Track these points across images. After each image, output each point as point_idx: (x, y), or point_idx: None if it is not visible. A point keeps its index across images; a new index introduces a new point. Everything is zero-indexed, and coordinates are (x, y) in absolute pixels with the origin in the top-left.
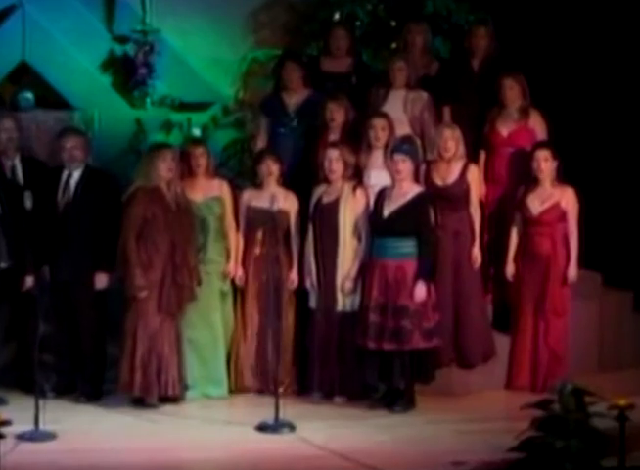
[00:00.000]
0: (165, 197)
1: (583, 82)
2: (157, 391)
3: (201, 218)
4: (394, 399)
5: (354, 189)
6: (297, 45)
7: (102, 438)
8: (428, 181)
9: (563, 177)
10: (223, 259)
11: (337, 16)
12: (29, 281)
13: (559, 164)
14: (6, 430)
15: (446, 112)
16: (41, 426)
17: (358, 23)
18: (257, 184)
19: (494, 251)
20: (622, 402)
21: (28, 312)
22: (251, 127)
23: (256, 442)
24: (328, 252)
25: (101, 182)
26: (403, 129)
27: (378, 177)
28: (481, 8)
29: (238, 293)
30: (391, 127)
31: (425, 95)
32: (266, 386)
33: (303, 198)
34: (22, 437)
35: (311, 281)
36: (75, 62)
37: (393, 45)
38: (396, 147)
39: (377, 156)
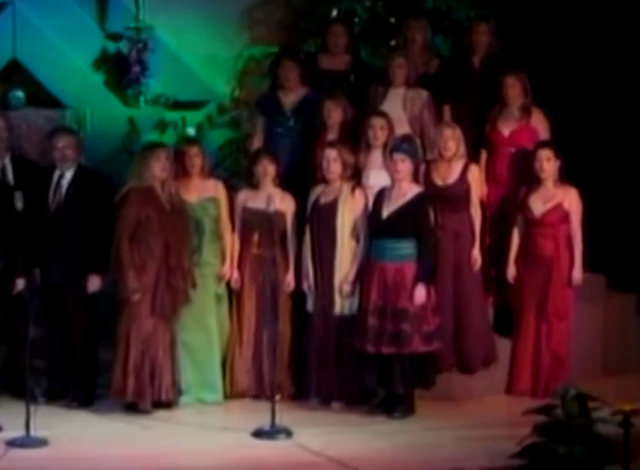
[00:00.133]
0: (159, 198)
1: (587, 79)
2: (150, 396)
3: (195, 220)
4: (393, 404)
5: (353, 189)
6: (294, 42)
7: (94, 444)
8: (427, 181)
9: (565, 177)
10: (218, 262)
11: (334, 12)
12: (20, 283)
13: (561, 164)
14: None
15: (446, 110)
16: (32, 432)
17: (357, 20)
18: (253, 185)
19: (495, 252)
20: (627, 408)
21: (19, 316)
22: (246, 127)
23: (252, 448)
24: (325, 253)
25: (93, 182)
26: (403, 128)
27: (377, 177)
28: (482, 4)
29: (233, 296)
30: (391, 126)
31: (424, 93)
32: (262, 391)
33: (300, 199)
34: (12, 443)
35: (308, 284)
36: (67, 59)
37: (393, 42)
38: (396, 146)
39: (376, 155)
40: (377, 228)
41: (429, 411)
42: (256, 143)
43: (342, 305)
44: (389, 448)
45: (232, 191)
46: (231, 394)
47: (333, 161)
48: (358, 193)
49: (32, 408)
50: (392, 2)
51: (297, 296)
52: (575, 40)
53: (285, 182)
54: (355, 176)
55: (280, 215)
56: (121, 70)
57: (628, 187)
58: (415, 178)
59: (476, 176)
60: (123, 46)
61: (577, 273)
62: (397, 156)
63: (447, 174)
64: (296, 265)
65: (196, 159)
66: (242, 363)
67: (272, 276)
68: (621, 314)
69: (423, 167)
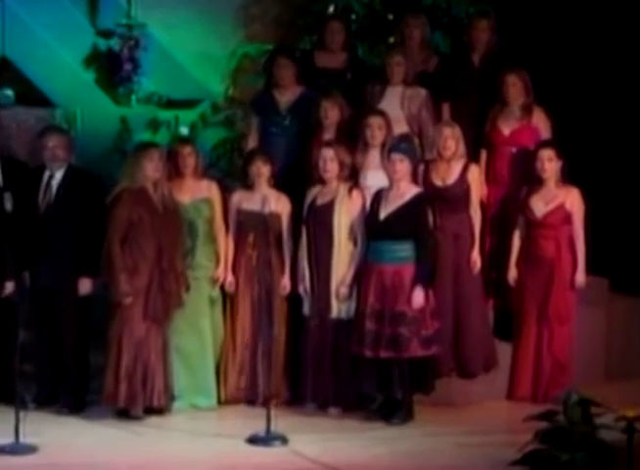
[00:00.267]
0: (152, 199)
1: (589, 78)
2: (142, 401)
3: (189, 221)
4: (392, 410)
5: (350, 190)
6: (290, 39)
7: (84, 451)
8: (426, 182)
9: (567, 178)
10: (212, 264)
11: (331, 9)
12: (9, 287)
13: (563, 164)
14: None
15: (445, 109)
16: (21, 439)
17: (354, 17)
18: (248, 186)
19: (496, 254)
20: (630, 414)
21: (8, 320)
22: (241, 126)
23: (247, 455)
24: (322, 256)
25: (84, 183)
26: (401, 127)
27: (374, 178)
28: (482, 0)
29: (228, 299)
30: (388, 126)
31: (423, 92)
32: (257, 396)
33: (297, 200)
34: (1, 450)
35: (304, 287)
36: (57, 57)
37: (390, 39)
38: (394, 146)
39: (373, 155)
40: (374, 230)
41: (428, 417)
42: (251, 143)
43: (338, 308)
44: (388, 455)
45: (226, 192)
46: (225, 399)
47: (329, 161)
48: (355, 194)
49: (22, 414)
50: None
51: (293, 299)
52: (578, 37)
53: (281, 183)
54: (353, 177)
55: (275, 217)
56: (113, 68)
57: (632, 188)
58: (413, 178)
59: (475, 177)
60: (115, 43)
61: (580, 276)
62: (395, 156)
63: (447, 175)
64: (291, 268)
65: (189, 159)
66: (236, 368)
67: (267, 279)
68: (625, 318)
69: (421, 167)
